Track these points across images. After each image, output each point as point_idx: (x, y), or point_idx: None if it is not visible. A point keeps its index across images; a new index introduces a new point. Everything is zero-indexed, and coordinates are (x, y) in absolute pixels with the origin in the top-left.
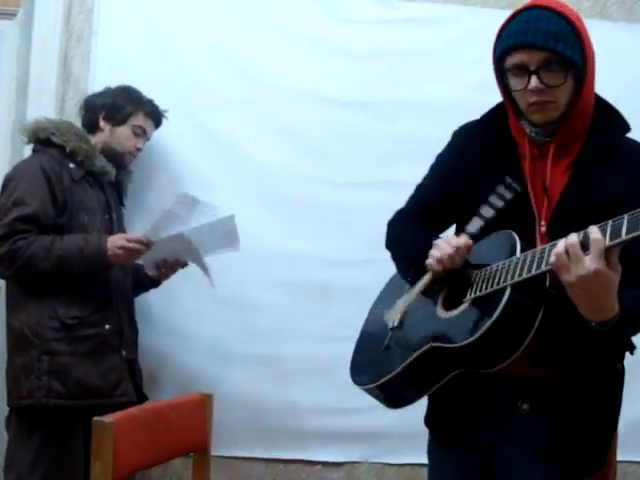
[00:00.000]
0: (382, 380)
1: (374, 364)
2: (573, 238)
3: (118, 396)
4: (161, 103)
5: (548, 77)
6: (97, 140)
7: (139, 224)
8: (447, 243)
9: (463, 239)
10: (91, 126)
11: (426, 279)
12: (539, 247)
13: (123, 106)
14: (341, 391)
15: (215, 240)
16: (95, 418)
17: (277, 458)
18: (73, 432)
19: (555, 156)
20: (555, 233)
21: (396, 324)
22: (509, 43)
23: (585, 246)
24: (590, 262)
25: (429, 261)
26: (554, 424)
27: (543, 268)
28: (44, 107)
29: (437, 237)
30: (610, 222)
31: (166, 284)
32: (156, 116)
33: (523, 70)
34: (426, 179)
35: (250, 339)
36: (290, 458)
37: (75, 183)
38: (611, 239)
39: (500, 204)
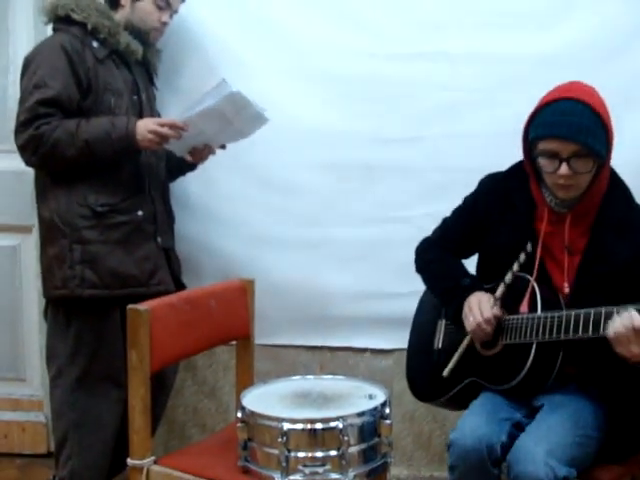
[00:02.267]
0: (435, 401)
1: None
2: (638, 321)
3: (154, 285)
4: None
5: (577, 165)
6: (119, 17)
7: (173, 107)
8: (479, 310)
9: (493, 311)
10: (112, 2)
11: (467, 340)
12: (564, 312)
13: None
14: (389, 275)
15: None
16: (130, 306)
17: (323, 345)
18: (111, 322)
19: (572, 223)
20: (580, 295)
21: (446, 374)
22: (545, 132)
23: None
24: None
25: (468, 328)
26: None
27: (563, 337)
28: None
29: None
30: None
31: (202, 168)
32: None
33: (554, 156)
34: (452, 218)
35: (292, 223)
36: (337, 345)
37: (99, 62)
38: None
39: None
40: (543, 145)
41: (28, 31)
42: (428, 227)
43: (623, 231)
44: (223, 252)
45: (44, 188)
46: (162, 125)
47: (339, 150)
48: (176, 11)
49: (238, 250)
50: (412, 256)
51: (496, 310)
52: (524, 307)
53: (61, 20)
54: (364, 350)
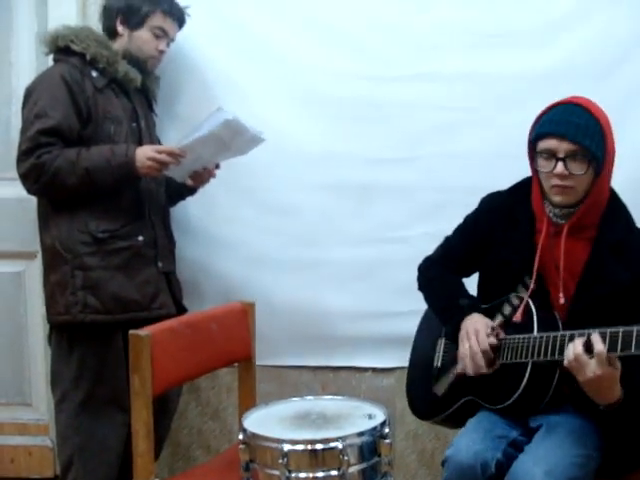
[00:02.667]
0: (432, 419)
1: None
2: (578, 349)
3: (156, 309)
4: (184, 1)
5: (573, 166)
6: (118, 46)
7: (172, 132)
8: (476, 340)
9: (489, 340)
10: (110, 32)
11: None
12: (559, 333)
13: (139, 7)
14: (388, 294)
15: (239, 142)
16: (131, 331)
17: (325, 365)
18: (113, 346)
19: (569, 236)
20: (576, 313)
21: (439, 394)
22: (544, 129)
23: (589, 350)
24: (595, 367)
25: (460, 356)
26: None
27: (557, 358)
28: (65, 14)
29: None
30: (609, 331)
31: (202, 192)
32: (176, 14)
33: (552, 155)
34: (454, 236)
35: (290, 244)
36: (339, 365)
37: (98, 92)
38: (609, 350)
39: (517, 301)
40: (542, 145)
41: (30, 62)
42: (426, 247)
43: (622, 253)
44: (223, 274)
45: (46, 216)
46: (160, 152)
47: (336, 171)
48: (173, 39)
49: (238, 272)
50: (411, 276)
51: (492, 340)
52: (517, 317)
53: (61, 51)
54: (366, 369)
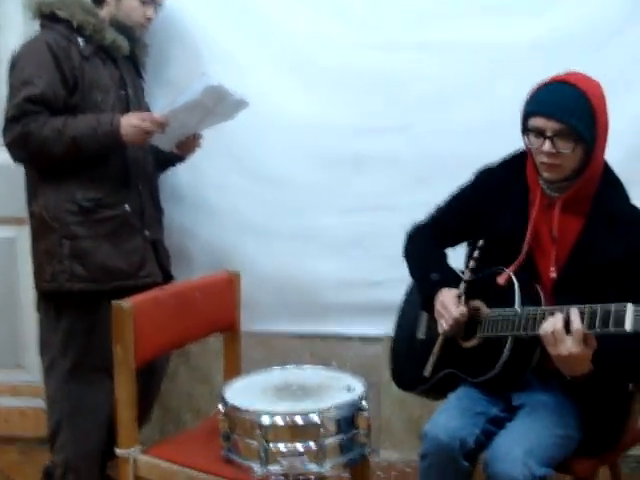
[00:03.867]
0: (417, 390)
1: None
2: (559, 324)
3: (143, 277)
4: None
5: (560, 144)
6: (104, 13)
7: (162, 99)
8: (448, 312)
9: (459, 310)
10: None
11: (441, 338)
12: (540, 308)
13: None
14: (376, 262)
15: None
16: (114, 302)
17: (313, 333)
18: (101, 314)
19: (563, 210)
20: (564, 287)
21: (428, 375)
22: (533, 108)
23: (568, 327)
24: (571, 345)
25: (440, 330)
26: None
27: (537, 333)
28: None
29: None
30: (587, 308)
31: (191, 158)
32: None
33: (540, 134)
34: (446, 205)
35: (279, 212)
36: (326, 333)
37: (85, 60)
38: (588, 328)
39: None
40: (531, 122)
41: (18, 26)
42: (415, 216)
43: (615, 227)
44: (212, 242)
45: (33, 184)
46: (144, 120)
47: (325, 140)
48: (160, 4)
49: (227, 240)
50: (400, 244)
51: (462, 309)
52: (501, 279)
53: (46, 17)
54: (353, 338)
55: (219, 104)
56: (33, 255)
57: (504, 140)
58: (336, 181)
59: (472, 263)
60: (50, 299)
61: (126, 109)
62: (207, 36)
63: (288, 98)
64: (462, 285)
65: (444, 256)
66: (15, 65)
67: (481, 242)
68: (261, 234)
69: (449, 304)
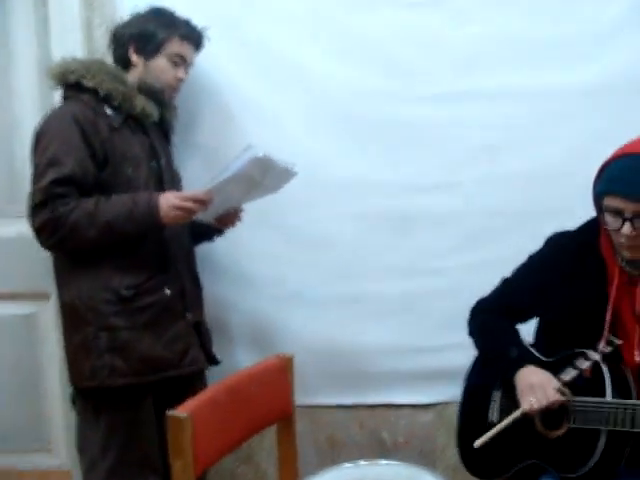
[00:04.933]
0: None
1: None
2: None
3: (187, 366)
4: (201, 21)
5: None
6: (132, 78)
7: (191, 162)
8: (544, 393)
9: (557, 396)
10: (124, 62)
11: (519, 413)
12: (633, 402)
13: (153, 33)
14: (425, 328)
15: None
16: (170, 414)
17: (362, 403)
18: (143, 409)
19: None
20: None
21: (477, 446)
22: (607, 188)
23: None
24: None
25: (525, 407)
26: None
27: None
28: (69, 40)
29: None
30: None
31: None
32: (195, 38)
33: (618, 214)
34: (514, 279)
35: (324, 278)
36: (376, 403)
37: (114, 131)
38: None
39: (597, 357)
40: (607, 201)
41: (32, 90)
42: (467, 277)
43: None
44: (254, 314)
45: (64, 271)
46: (186, 200)
47: (370, 199)
48: (191, 64)
49: (270, 310)
50: (450, 308)
51: (559, 396)
52: (587, 369)
53: (71, 86)
54: (404, 406)
55: (266, 176)
56: (66, 348)
57: (560, 193)
58: (382, 242)
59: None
60: (88, 396)
61: (159, 182)
62: (238, 93)
63: (328, 154)
64: (571, 373)
65: (517, 332)
66: (39, 142)
67: (554, 319)
68: (304, 302)
69: (546, 384)
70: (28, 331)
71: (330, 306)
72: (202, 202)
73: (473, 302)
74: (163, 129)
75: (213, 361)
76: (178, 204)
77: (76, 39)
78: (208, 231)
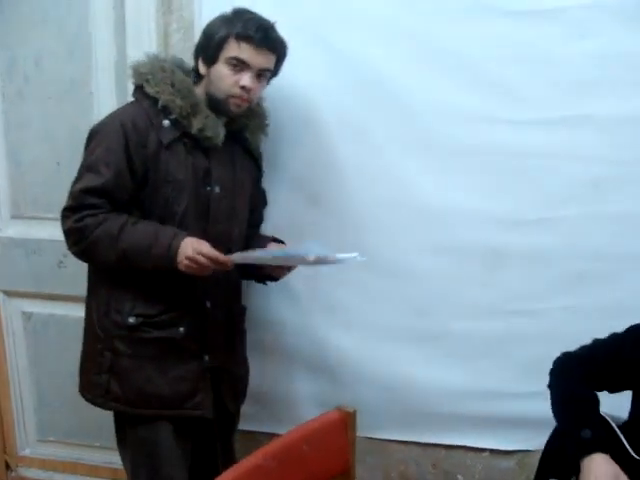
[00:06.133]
0: None
1: None
2: None
3: (189, 409)
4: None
5: None
6: (200, 91)
7: (277, 187)
8: None
9: None
10: (196, 73)
11: None
12: None
13: (212, 36)
14: (511, 373)
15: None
16: None
17: (437, 443)
18: (157, 431)
19: None
20: None
21: None
22: None
23: None
24: None
25: None
26: None
27: None
28: (144, 44)
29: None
30: None
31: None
32: (257, 39)
33: None
34: (605, 342)
35: (404, 312)
36: (452, 444)
37: (163, 148)
38: None
39: None
40: None
41: (111, 91)
42: (564, 323)
43: None
44: (325, 345)
45: (90, 281)
46: (202, 254)
47: (459, 229)
48: (271, 70)
49: (343, 342)
50: (540, 354)
51: None
52: None
53: (139, 89)
54: (482, 450)
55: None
56: (82, 349)
57: None
58: (470, 278)
59: None
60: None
61: (205, 210)
62: (326, 111)
63: (418, 181)
64: None
65: (597, 403)
66: (91, 141)
67: None
68: (382, 335)
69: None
70: None
71: (407, 341)
72: (219, 263)
73: (565, 350)
74: (247, 148)
75: (225, 412)
76: (191, 255)
77: (151, 43)
78: (259, 275)
